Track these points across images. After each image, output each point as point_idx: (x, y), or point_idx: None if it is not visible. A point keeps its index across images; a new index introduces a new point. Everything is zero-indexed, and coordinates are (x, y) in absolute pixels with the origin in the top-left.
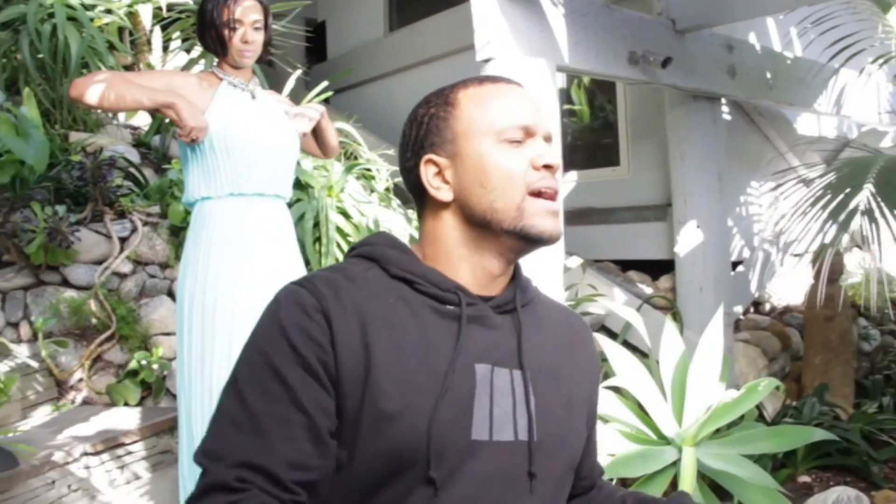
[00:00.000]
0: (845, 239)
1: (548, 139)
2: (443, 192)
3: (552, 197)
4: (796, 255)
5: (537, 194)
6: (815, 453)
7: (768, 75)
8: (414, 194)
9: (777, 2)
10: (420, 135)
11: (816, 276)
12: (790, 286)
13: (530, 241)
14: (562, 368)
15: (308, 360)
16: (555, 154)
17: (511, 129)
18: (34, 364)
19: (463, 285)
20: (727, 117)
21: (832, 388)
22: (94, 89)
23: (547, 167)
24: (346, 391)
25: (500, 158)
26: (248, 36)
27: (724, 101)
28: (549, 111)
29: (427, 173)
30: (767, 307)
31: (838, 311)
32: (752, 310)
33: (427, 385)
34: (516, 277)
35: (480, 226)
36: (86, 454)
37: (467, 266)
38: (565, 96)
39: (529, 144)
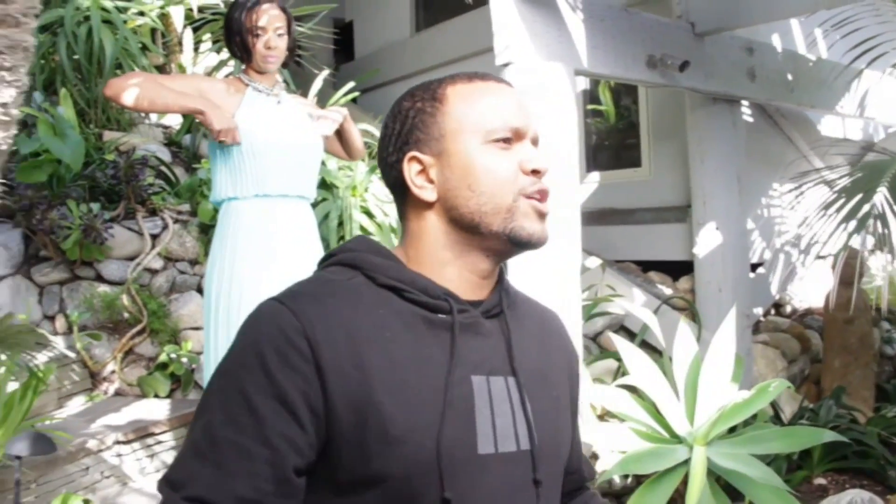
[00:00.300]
0: (870, 242)
1: (535, 142)
2: (426, 192)
3: (542, 199)
4: (820, 258)
5: (527, 196)
6: (831, 456)
7: (789, 77)
8: (394, 191)
9: (795, 5)
10: (404, 130)
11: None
12: (812, 288)
13: (519, 244)
14: (547, 370)
15: (284, 391)
16: (543, 158)
17: (501, 129)
18: (71, 355)
19: (452, 291)
20: (749, 119)
21: (852, 392)
22: (129, 91)
23: (535, 172)
24: (341, 418)
25: (489, 160)
26: (271, 42)
27: (745, 102)
28: (567, 114)
29: (410, 171)
30: (789, 309)
31: (858, 313)
32: (773, 312)
33: (428, 401)
34: (500, 279)
35: (467, 228)
36: (118, 443)
37: (454, 269)
38: (590, 97)
39: (518, 147)
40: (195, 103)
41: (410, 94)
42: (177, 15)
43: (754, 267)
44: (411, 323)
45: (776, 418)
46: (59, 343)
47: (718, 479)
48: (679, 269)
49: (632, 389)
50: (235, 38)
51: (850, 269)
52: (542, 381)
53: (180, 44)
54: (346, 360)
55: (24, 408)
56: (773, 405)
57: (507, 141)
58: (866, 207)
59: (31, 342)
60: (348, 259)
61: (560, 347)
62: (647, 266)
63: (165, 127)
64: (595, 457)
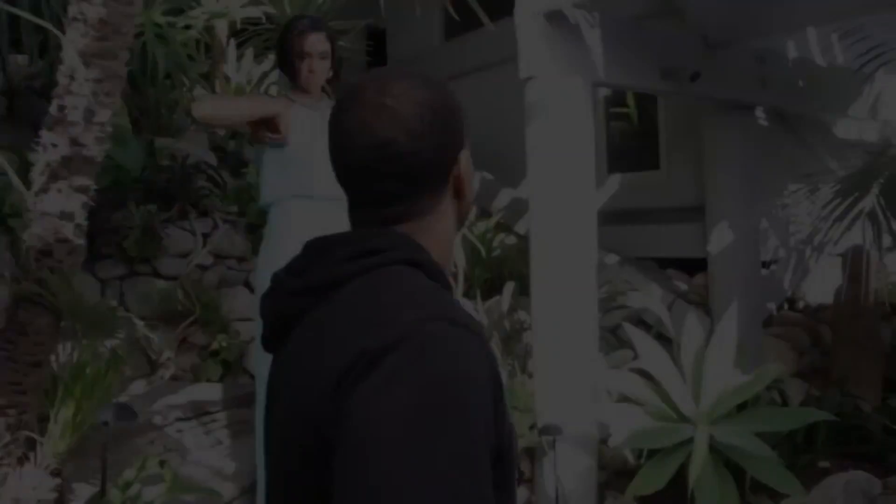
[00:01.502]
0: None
1: None
2: (466, 186)
3: None
4: (832, 256)
5: None
6: (835, 441)
7: (801, 84)
8: (417, 181)
9: (800, 17)
10: (458, 123)
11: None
12: (825, 285)
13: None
14: None
15: (492, 435)
16: None
17: None
18: (151, 336)
19: None
20: (764, 123)
21: (860, 383)
22: (208, 109)
23: None
24: (503, 436)
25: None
26: (313, 66)
27: (760, 108)
28: (584, 124)
29: (461, 165)
30: (802, 305)
31: (865, 308)
32: (786, 307)
33: None
34: None
35: (462, 221)
36: (178, 419)
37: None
38: (613, 101)
39: None
40: (268, 108)
41: (442, 88)
42: (221, 27)
43: (768, 264)
44: None
45: (784, 406)
46: (140, 324)
47: (728, 463)
48: (695, 265)
49: (646, 376)
50: (285, 58)
51: (856, 265)
52: None
53: (224, 54)
54: (497, 379)
55: (107, 383)
56: (782, 394)
57: None
58: (858, 207)
59: (112, 326)
60: (411, 257)
61: None
62: (664, 263)
63: (211, 133)
64: (609, 435)
